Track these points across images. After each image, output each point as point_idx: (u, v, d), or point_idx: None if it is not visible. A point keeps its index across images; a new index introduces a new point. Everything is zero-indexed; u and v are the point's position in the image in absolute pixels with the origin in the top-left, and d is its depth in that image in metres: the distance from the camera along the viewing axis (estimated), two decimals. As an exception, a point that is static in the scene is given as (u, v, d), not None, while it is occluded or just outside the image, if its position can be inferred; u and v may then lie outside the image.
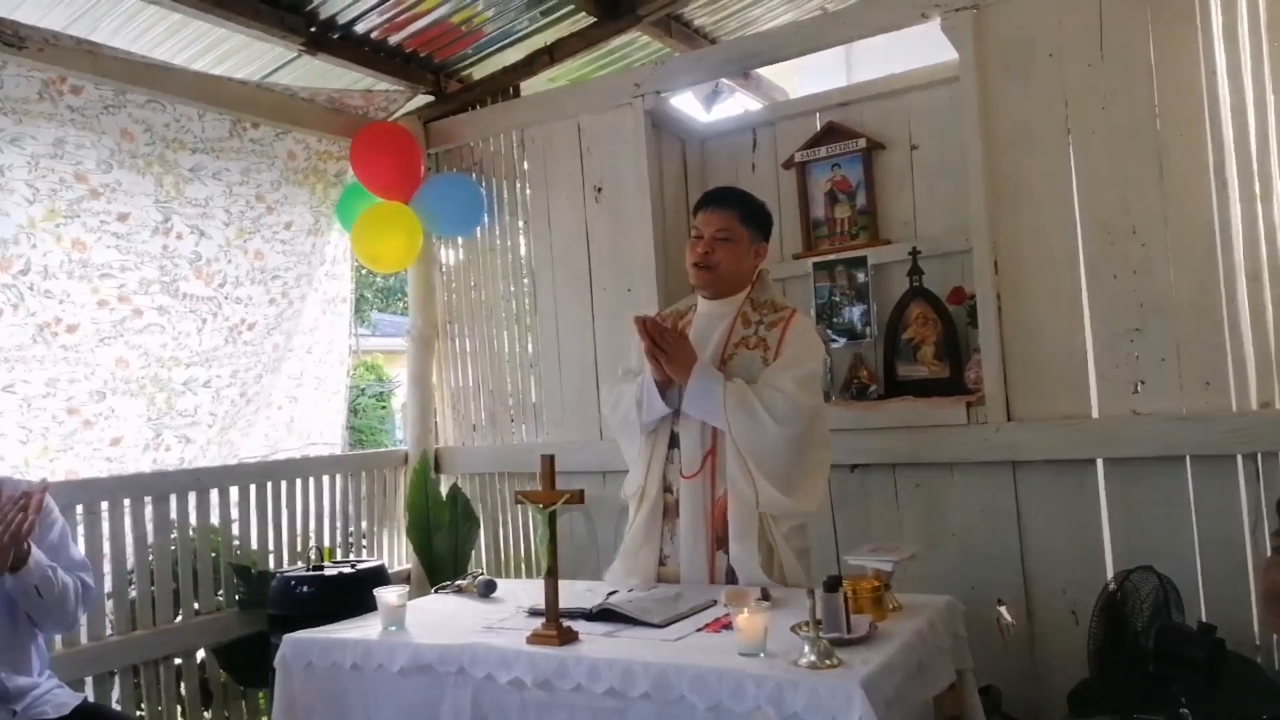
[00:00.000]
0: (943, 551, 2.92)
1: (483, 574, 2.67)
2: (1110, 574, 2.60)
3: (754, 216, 2.54)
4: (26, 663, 2.26)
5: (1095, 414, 2.73)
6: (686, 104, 4.26)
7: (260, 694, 3.28)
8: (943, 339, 3.13)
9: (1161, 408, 2.63)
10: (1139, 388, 2.67)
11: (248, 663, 3.17)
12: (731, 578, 2.38)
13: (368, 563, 3.21)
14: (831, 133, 3.43)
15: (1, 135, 2.87)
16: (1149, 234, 2.66)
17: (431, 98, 4.05)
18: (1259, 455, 2.52)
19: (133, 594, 3.01)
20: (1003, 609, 2.62)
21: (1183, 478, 2.61)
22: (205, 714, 3.20)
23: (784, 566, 2.38)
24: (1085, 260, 2.75)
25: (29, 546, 2.13)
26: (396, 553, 4.00)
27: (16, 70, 2.87)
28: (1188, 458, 2.60)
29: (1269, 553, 1.44)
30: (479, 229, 4.01)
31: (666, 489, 2.51)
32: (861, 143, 3.36)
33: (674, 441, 2.51)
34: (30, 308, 2.99)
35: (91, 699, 2.60)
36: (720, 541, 2.41)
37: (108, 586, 2.92)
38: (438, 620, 2.30)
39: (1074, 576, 2.74)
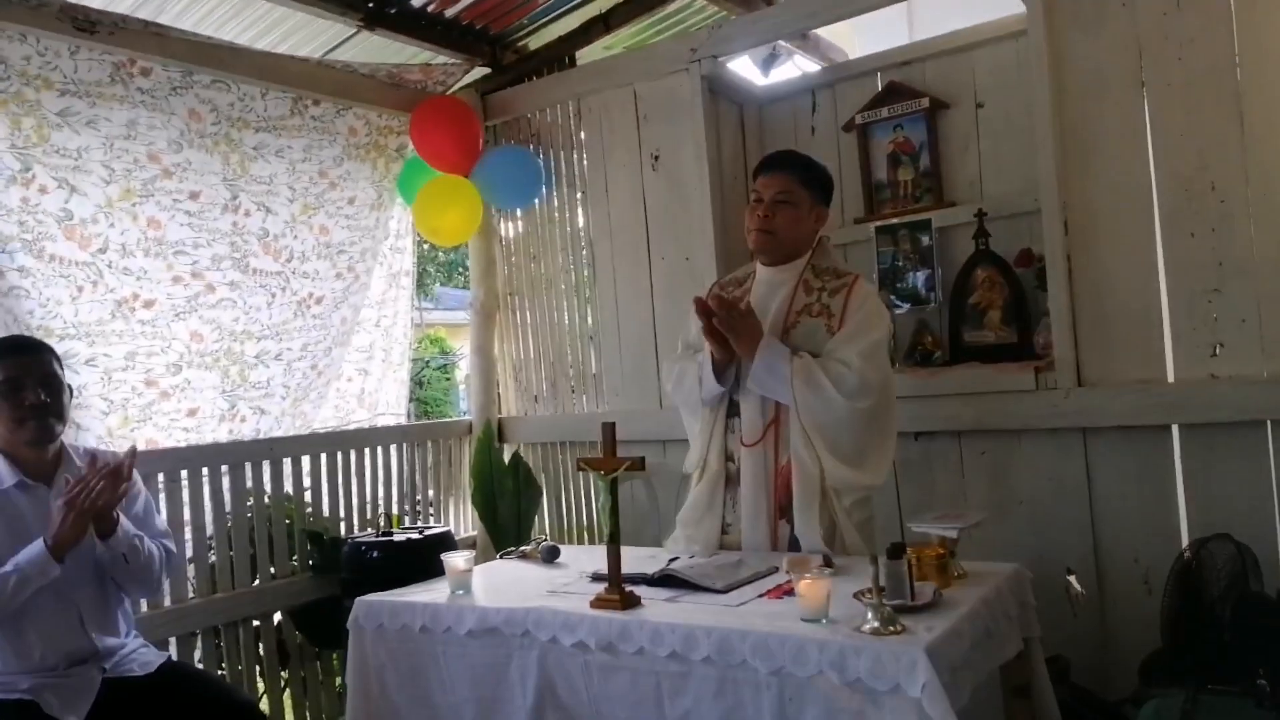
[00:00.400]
0: (1009, 520, 2.87)
1: (546, 540, 2.71)
2: (1185, 543, 2.54)
3: (815, 179, 2.51)
4: (114, 624, 2.37)
5: (1171, 378, 2.64)
6: (744, 68, 4.20)
7: (334, 654, 3.39)
8: (1010, 303, 3.06)
9: (1241, 371, 2.54)
10: (1217, 350, 2.57)
11: (321, 625, 3.28)
12: (794, 546, 2.37)
13: (435, 529, 3.28)
14: (893, 93, 3.35)
15: (78, 118, 2.97)
16: (1228, 189, 2.55)
17: (488, 70, 4.06)
18: (1345, 420, 2.42)
19: (212, 559, 3.13)
20: (1071, 578, 2.58)
21: (1263, 443, 2.52)
22: (282, 673, 3.32)
23: (845, 539, 2.37)
24: (1161, 218, 2.65)
25: (118, 516, 2.23)
26: (461, 520, 4.09)
27: (89, 54, 2.95)
28: (1268, 422, 2.51)
29: None
30: (537, 200, 4.03)
31: (728, 458, 2.50)
32: (925, 102, 3.27)
33: (734, 410, 2.50)
34: (109, 284, 3.10)
35: (175, 658, 2.71)
36: (783, 510, 2.40)
37: (189, 552, 3.04)
38: (503, 584, 2.35)
39: (1147, 545, 2.68)
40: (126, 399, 3.18)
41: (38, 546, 2.13)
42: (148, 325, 3.21)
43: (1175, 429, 2.64)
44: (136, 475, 2.46)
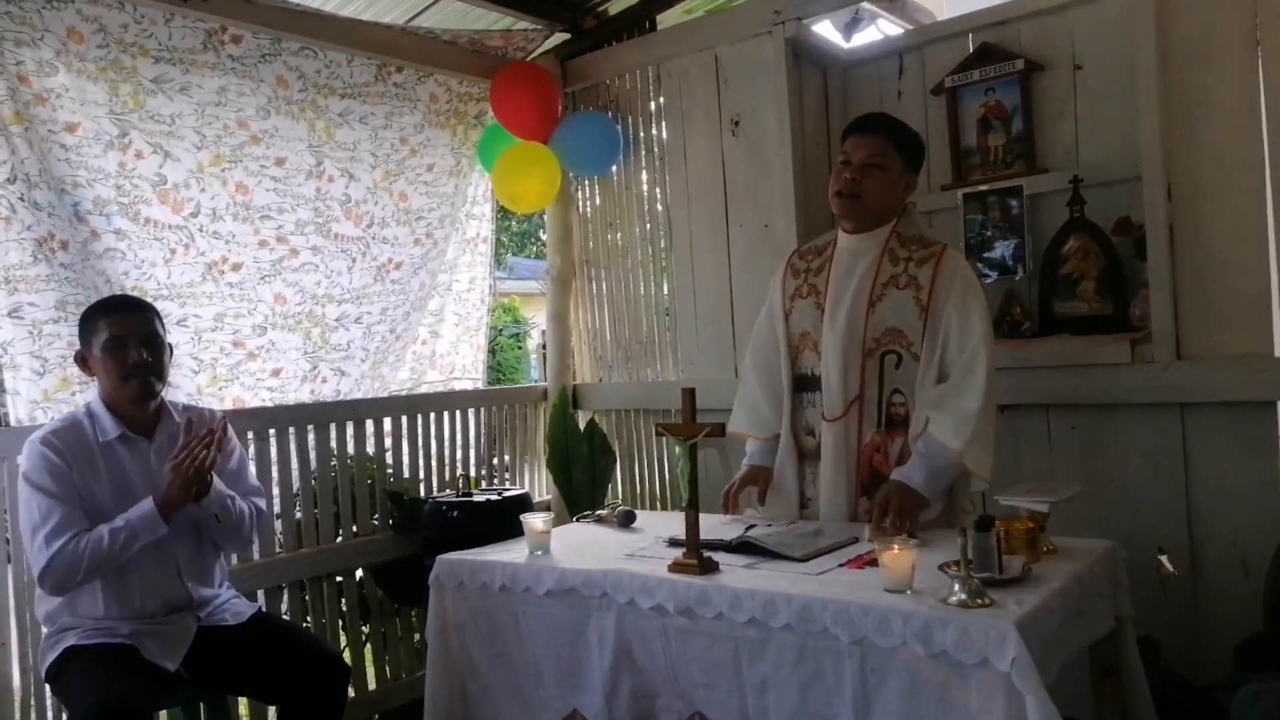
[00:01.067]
0: (1099, 498, 2.77)
1: (622, 504, 2.72)
2: (1289, 525, 2.42)
3: (908, 144, 2.42)
4: (210, 576, 2.47)
5: (1278, 353, 2.51)
6: (827, 32, 4.09)
7: (412, 611, 3.47)
8: (1105, 273, 2.93)
9: (1355, 346, 2.40)
10: (1331, 324, 2.44)
11: (401, 582, 3.36)
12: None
13: (513, 491, 3.32)
14: (985, 55, 3.22)
15: (171, 85, 3.04)
16: (1350, 154, 2.40)
17: (568, 35, 4.05)
18: None
19: (298, 515, 3.22)
20: (1163, 558, 2.49)
21: (1376, 423, 2.39)
22: (364, 627, 3.42)
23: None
24: (1273, 186, 2.51)
25: (212, 477, 2.31)
26: (536, 484, 4.13)
27: (183, 22, 3.02)
28: (1383, 401, 2.37)
29: None
30: (615, 168, 4.01)
31: (809, 432, 2.46)
32: (1019, 64, 3.14)
33: (805, 385, 2.46)
34: (200, 248, 3.19)
35: (264, 609, 2.81)
36: (864, 487, 2.36)
37: (276, 508, 3.13)
38: (581, 546, 2.37)
39: (1246, 526, 2.56)
40: (215, 359, 3.29)
41: (147, 505, 2.23)
42: (235, 288, 3.30)
43: (1281, 406, 2.52)
44: (232, 433, 2.55)
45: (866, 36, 4.26)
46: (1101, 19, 3.01)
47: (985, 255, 3.19)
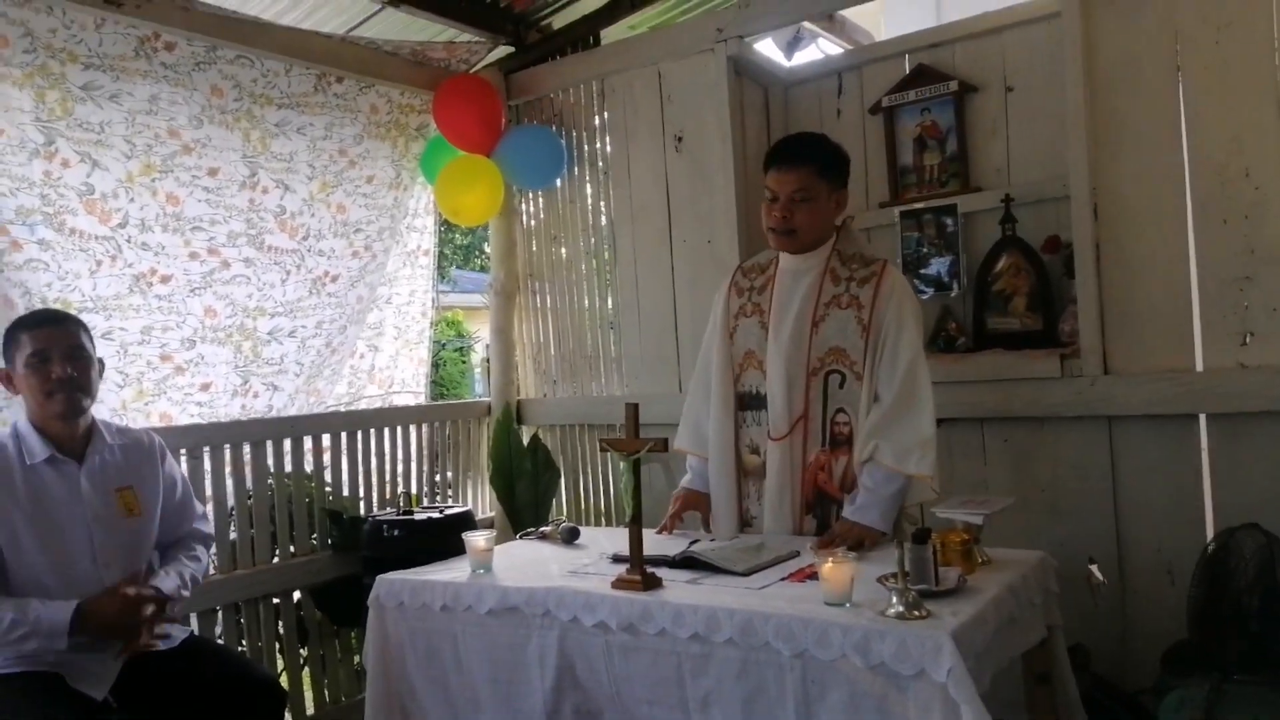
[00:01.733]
0: (1031, 508, 2.85)
1: (566, 521, 2.71)
2: (1210, 533, 2.51)
3: (831, 165, 2.40)
4: (143, 603, 2.39)
5: (1199, 367, 2.61)
6: (769, 50, 4.15)
7: (353, 633, 3.41)
8: (1036, 290, 3.02)
9: (1271, 360, 2.50)
10: (1247, 339, 2.54)
11: (340, 603, 3.29)
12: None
13: (455, 508, 3.28)
14: (921, 75, 3.31)
15: (101, 92, 2.97)
16: (1263, 176, 2.50)
17: (512, 48, 4.04)
18: (1378, 411, 2.38)
19: (233, 536, 3.14)
20: (1093, 567, 2.56)
21: (1293, 434, 2.49)
22: (302, 650, 3.34)
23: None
24: (1193, 205, 2.61)
25: (171, 608, 2.30)
26: (480, 501, 4.09)
27: (114, 28, 2.95)
28: (1299, 412, 2.47)
29: None
30: (559, 181, 4.01)
31: (753, 450, 2.47)
32: (953, 85, 3.23)
33: (749, 403, 2.47)
34: (128, 259, 3.11)
35: (197, 633, 2.73)
36: (809, 506, 2.39)
37: (210, 528, 3.05)
38: (524, 564, 2.35)
39: (1171, 535, 2.65)
40: (142, 373, 3.20)
41: (64, 613, 2.08)
42: (164, 300, 3.22)
43: (1202, 418, 2.61)
44: (171, 460, 2.50)
45: (808, 56, 4.33)
46: (1032, 43, 3.11)
47: (922, 272, 3.26)
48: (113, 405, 3.09)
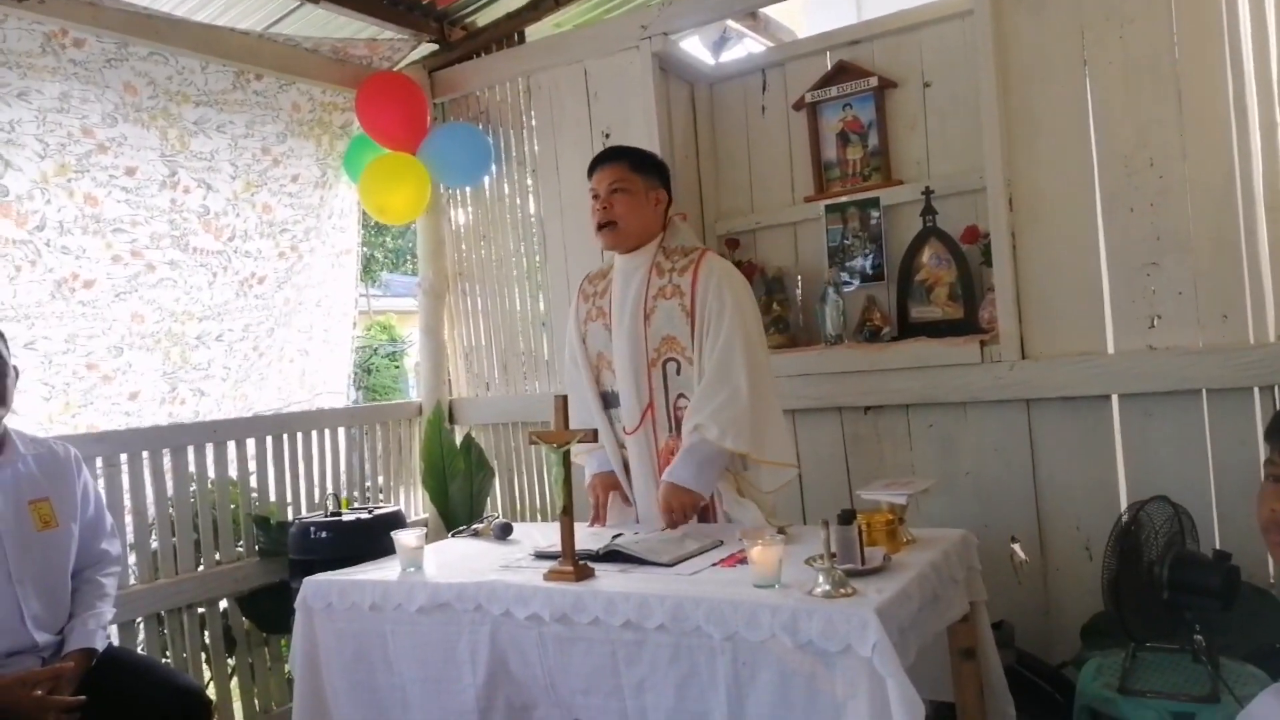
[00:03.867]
0: (956, 490, 2.92)
1: (499, 517, 2.69)
2: (1125, 507, 2.60)
3: (643, 163, 2.55)
4: (59, 620, 2.30)
5: (1111, 350, 2.70)
6: (694, 49, 4.19)
7: (282, 640, 3.33)
8: (957, 279, 3.11)
9: (1178, 342, 2.61)
10: (1155, 322, 2.64)
11: (269, 610, 3.22)
12: None
13: (385, 508, 3.23)
14: (842, 72, 3.37)
15: (8, 90, 2.86)
16: (1166, 166, 2.61)
17: (436, 46, 4.01)
18: (1275, 388, 2.50)
19: (155, 544, 3.05)
20: (1016, 545, 2.64)
21: (1198, 411, 2.59)
22: (230, 659, 3.25)
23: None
24: (1101, 195, 2.70)
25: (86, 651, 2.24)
26: (413, 504, 4.04)
27: (18, 23, 2.84)
28: (1203, 391, 2.58)
29: (1264, 480, 1.45)
30: (487, 180, 3.99)
31: (621, 445, 2.58)
32: (873, 81, 3.30)
33: (610, 401, 2.58)
34: (48, 264, 3.00)
35: (117, 645, 2.64)
36: None
37: (130, 538, 2.96)
38: (455, 561, 2.33)
39: (1088, 512, 2.74)
40: (68, 383, 3.09)
41: None
42: (88, 306, 3.12)
43: (1115, 399, 2.71)
44: (86, 472, 2.42)
45: (735, 54, 4.38)
46: (947, 40, 3.19)
47: (847, 264, 3.32)
48: (39, 419, 2.98)
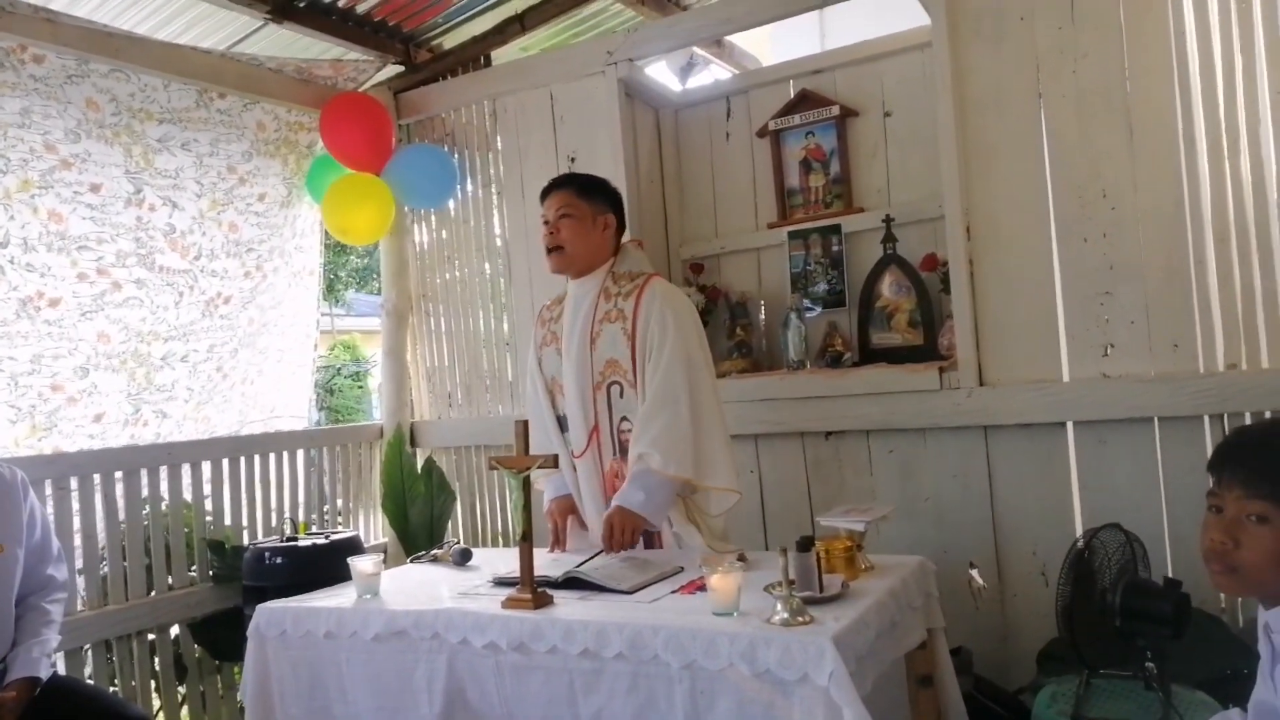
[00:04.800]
0: (915, 516, 2.94)
1: (458, 542, 2.67)
2: (1079, 534, 2.63)
3: (590, 189, 2.58)
4: (3, 645, 2.24)
5: (1066, 377, 2.74)
6: (661, 75, 4.22)
7: (235, 668, 3.27)
8: (916, 306, 3.14)
9: (1131, 370, 2.65)
10: (1109, 350, 2.69)
11: (221, 637, 3.16)
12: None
13: (342, 534, 3.19)
14: (805, 100, 3.42)
15: (-33, 105, 2.81)
16: (1119, 197, 2.67)
17: (401, 68, 4.00)
18: (1225, 416, 2.55)
19: (104, 569, 2.98)
20: (974, 571, 2.65)
21: (1151, 439, 2.64)
22: (180, 688, 3.18)
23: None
24: (1056, 224, 2.75)
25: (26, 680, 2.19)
26: (372, 528, 3.99)
27: (-25, 39, 2.80)
28: (1156, 419, 2.63)
29: (1206, 510, 1.47)
30: (452, 203, 3.97)
31: (573, 468, 2.58)
32: (835, 110, 3.35)
33: (563, 425, 2.59)
34: (12, 281, 2.95)
35: (63, 673, 2.57)
36: None
37: (79, 562, 2.89)
38: (413, 588, 2.30)
39: (1044, 538, 2.77)
40: (34, 405, 3.02)
41: None
42: (54, 325, 3.06)
43: (1070, 426, 2.75)
44: (33, 496, 2.37)
45: (700, 81, 4.42)
46: (907, 71, 3.25)
47: (809, 290, 3.35)
48: (3, 443, 2.91)
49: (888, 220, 3.20)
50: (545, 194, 2.60)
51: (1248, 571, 1.40)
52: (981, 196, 2.84)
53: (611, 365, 2.48)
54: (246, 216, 3.64)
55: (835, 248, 3.33)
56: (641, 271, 2.58)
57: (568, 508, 2.62)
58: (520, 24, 3.82)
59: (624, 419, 2.48)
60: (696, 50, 4.28)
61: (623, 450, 2.47)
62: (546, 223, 2.56)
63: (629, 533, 2.35)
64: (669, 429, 2.34)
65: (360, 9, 3.65)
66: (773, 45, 5.03)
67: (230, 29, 3.55)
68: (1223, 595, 2.54)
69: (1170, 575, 2.45)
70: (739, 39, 4.33)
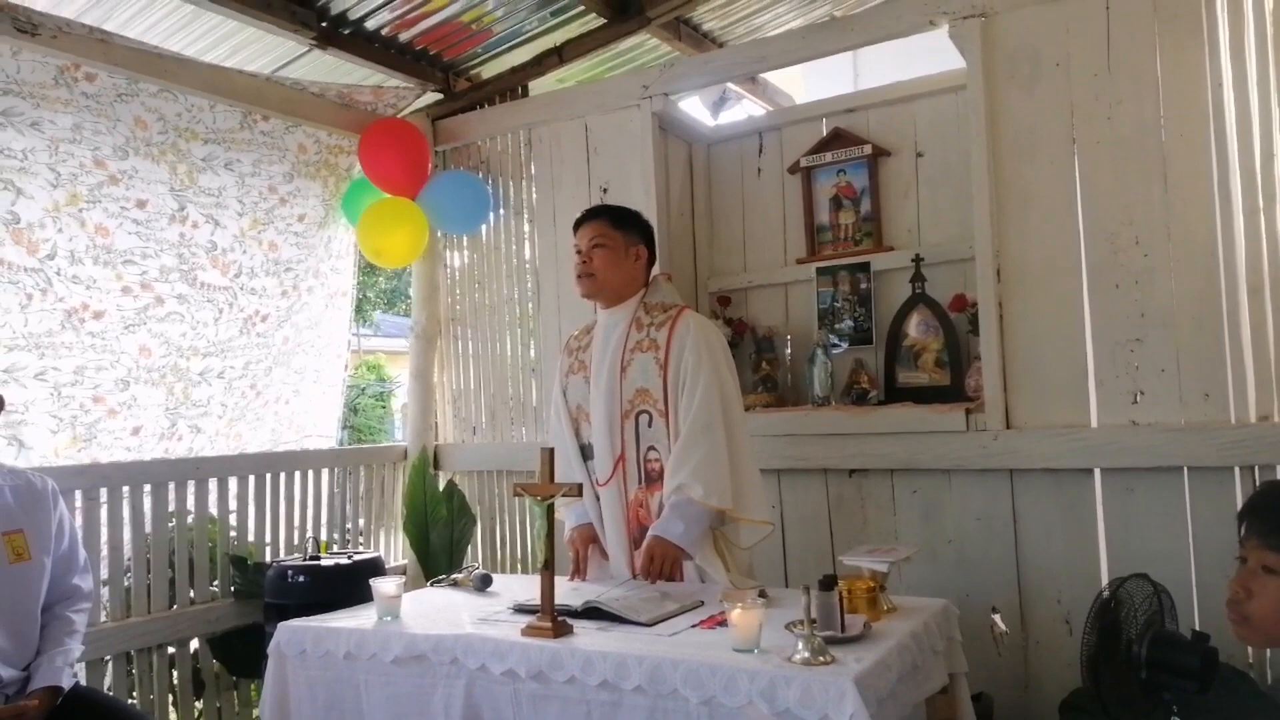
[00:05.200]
0: (939, 558, 2.92)
1: (479, 567, 2.67)
2: (1105, 584, 2.60)
3: (623, 219, 2.63)
4: (26, 655, 2.27)
5: (1094, 423, 2.72)
6: (694, 109, 4.27)
7: (253, 685, 3.28)
8: (944, 346, 3.14)
9: (1160, 418, 2.63)
10: (1138, 398, 2.67)
11: (241, 653, 3.17)
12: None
13: (365, 554, 3.20)
14: (837, 139, 3.44)
15: (22, 119, 2.89)
16: (1151, 244, 2.66)
17: (440, 95, 4.07)
18: (1256, 468, 2.52)
19: (128, 582, 3.01)
20: (996, 617, 2.62)
21: (1180, 489, 2.61)
22: (197, 703, 3.19)
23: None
24: (1088, 270, 2.75)
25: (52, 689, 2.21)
26: (393, 549, 4.01)
27: (31, 56, 2.89)
28: (1185, 469, 2.60)
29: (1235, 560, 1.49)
30: (485, 228, 4.02)
31: (597, 497, 2.59)
32: (867, 149, 3.37)
33: (587, 454, 2.60)
34: (59, 293, 3.01)
35: (84, 684, 2.59)
36: (635, 542, 2.50)
37: (104, 574, 2.92)
38: (433, 611, 2.30)
39: (1069, 585, 2.74)
40: (75, 416, 3.07)
41: None
42: (97, 338, 3.12)
43: (1097, 472, 2.72)
44: (63, 506, 2.40)
45: (733, 116, 4.47)
46: (940, 112, 3.27)
47: (836, 326, 3.36)
48: (43, 452, 2.97)
49: (917, 260, 3.21)
50: (579, 224, 2.64)
51: (1257, 622, 1.44)
52: (1013, 239, 2.84)
53: (642, 394, 2.50)
54: (286, 236, 3.70)
55: (864, 285, 3.33)
56: (674, 303, 2.61)
57: (589, 536, 2.62)
58: (558, 56, 3.88)
59: (651, 448, 2.49)
60: (730, 86, 4.33)
61: (648, 480, 2.48)
62: (579, 251, 2.60)
63: (668, 564, 2.36)
64: (709, 460, 2.36)
65: (403, 38, 3.73)
66: (806, 83, 5.08)
67: (276, 53, 3.63)
68: (1250, 650, 2.50)
69: (1197, 628, 2.41)
70: (773, 76, 4.38)
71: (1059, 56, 2.79)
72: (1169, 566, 2.50)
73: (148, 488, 3.08)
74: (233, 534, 3.36)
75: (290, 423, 3.92)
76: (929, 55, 3.22)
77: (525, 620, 2.05)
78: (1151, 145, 2.67)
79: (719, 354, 2.50)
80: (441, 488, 3.89)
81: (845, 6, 4.19)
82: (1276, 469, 2.49)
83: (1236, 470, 2.54)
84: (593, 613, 2.10)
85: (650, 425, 2.49)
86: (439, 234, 4.08)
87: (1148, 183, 2.67)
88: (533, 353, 3.94)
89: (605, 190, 3.66)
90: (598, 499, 2.58)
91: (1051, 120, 2.81)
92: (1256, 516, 1.46)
